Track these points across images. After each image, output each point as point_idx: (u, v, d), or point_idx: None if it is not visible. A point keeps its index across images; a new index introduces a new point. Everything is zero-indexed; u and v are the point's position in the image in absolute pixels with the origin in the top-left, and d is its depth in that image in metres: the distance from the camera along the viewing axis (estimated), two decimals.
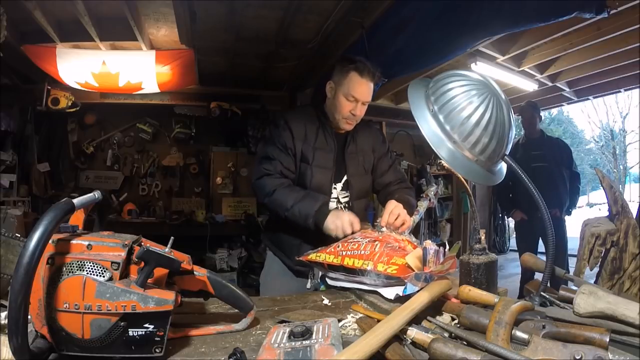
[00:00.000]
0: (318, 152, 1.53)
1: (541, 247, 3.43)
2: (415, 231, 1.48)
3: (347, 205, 1.60)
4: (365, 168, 1.63)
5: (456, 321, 0.83)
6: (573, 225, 2.63)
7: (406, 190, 1.64)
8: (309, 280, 1.52)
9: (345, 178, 1.59)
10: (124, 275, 0.72)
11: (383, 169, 1.67)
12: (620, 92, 4.39)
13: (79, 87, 3.31)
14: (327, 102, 1.59)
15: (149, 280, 0.73)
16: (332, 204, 1.58)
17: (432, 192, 1.61)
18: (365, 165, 1.63)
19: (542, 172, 3.27)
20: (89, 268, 0.69)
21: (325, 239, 1.36)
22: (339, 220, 1.34)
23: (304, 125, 1.54)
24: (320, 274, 1.49)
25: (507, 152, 0.98)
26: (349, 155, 1.59)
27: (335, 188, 1.58)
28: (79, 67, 3.08)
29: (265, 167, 1.51)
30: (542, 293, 0.90)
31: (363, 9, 2.66)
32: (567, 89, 4.42)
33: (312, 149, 1.53)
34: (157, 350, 0.71)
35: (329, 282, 1.26)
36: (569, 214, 3.56)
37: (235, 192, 4.75)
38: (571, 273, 1.00)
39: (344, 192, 1.59)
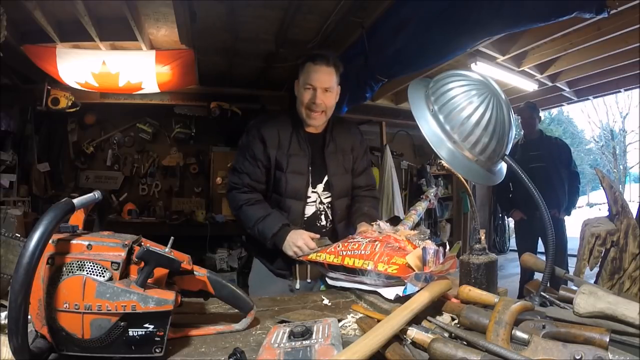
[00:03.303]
0: (292, 158, 1.53)
1: (540, 247, 3.44)
2: None
3: (329, 205, 1.60)
4: (345, 167, 1.63)
5: (456, 321, 0.83)
6: (573, 225, 2.63)
7: (372, 202, 1.67)
8: (290, 283, 1.56)
9: (326, 178, 1.58)
10: (124, 275, 0.72)
11: (358, 171, 1.68)
12: (620, 92, 4.38)
13: (79, 87, 3.31)
14: (296, 103, 1.58)
15: (149, 280, 0.73)
16: (312, 208, 1.58)
17: (432, 194, 1.61)
18: (345, 164, 1.62)
19: (540, 172, 3.27)
20: (89, 268, 0.69)
21: None
22: (296, 248, 1.38)
23: (277, 132, 1.53)
24: (297, 283, 1.52)
25: (507, 152, 0.98)
26: (329, 155, 1.58)
27: (315, 190, 1.58)
28: (79, 67, 3.08)
29: (233, 181, 1.55)
30: (542, 293, 0.90)
31: (363, 9, 2.66)
32: (567, 89, 4.42)
33: (287, 155, 1.52)
34: (157, 350, 0.71)
35: (329, 282, 1.26)
36: (569, 214, 3.55)
37: None
38: (571, 273, 1.00)
39: (326, 192, 1.59)
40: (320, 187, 1.58)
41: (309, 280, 1.54)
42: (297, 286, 1.54)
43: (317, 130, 1.59)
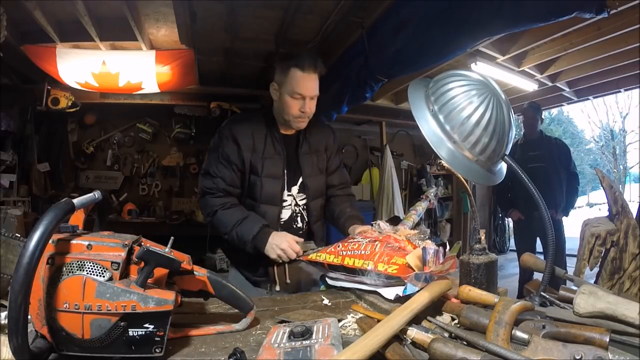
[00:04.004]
0: (267, 161, 1.47)
1: (539, 247, 3.44)
2: None
3: (305, 207, 1.57)
4: (319, 168, 1.59)
5: (456, 321, 0.83)
6: (573, 225, 2.63)
7: (352, 202, 1.65)
8: (267, 289, 1.51)
9: (300, 180, 1.54)
10: (124, 275, 0.72)
11: (331, 169, 1.64)
12: (620, 92, 4.38)
13: (79, 87, 3.31)
14: (274, 105, 1.52)
15: (149, 280, 0.73)
16: (287, 212, 1.54)
17: (432, 194, 1.60)
18: (319, 165, 1.59)
19: (539, 172, 3.27)
20: (89, 268, 0.69)
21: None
22: (280, 250, 1.33)
23: (252, 134, 1.47)
24: (277, 286, 1.48)
25: (507, 152, 0.98)
26: (302, 157, 1.54)
27: (290, 193, 1.54)
28: (79, 67, 3.08)
29: (207, 186, 1.46)
30: (542, 293, 0.90)
31: (363, 9, 2.66)
32: (567, 89, 4.42)
33: (261, 159, 1.47)
34: (157, 350, 0.71)
35: (329, 282, 1.26)
36: (566, 214, 3.55)
37: None
38: (570, 273, 1.00)
39: (301, 194, 1.56)
40: (295, 189, 1.54)
41: (288, 281, 1.48)
42: (278, 288, 1.49)
43: (292, 132, 1.54)
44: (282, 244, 1.34)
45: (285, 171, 1.51)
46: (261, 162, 1.47)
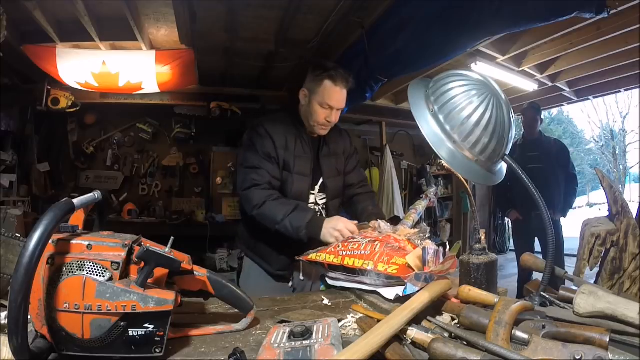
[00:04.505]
0: (298, 159, 1.55)
1: (538, 247, 3.44)
2: None
3: (324, 206, 1.65)
4: (338, 170, 1.68)
5: (456, 321, 0.83)
6: (572, 225, 2.63)
7: (373, 199, 1.76)
8: (290, 282, 1.58)
9: (321, 180, 1.63)
10: (124, 275, 0.72)
11: (349, 169, 1.73)
12: (620, 92, 4.39)
13: (79, 87, 3.31)
14: (301, 109, 1.60)
15: (149, 280, 0.73)
16: (310, 207, 1.60)
17: (432, 193, 1.61)
18: (338, 167, 1.68)
19: (537, 173, 3.26)
20: (89, 268, 0.69)
21: (305, 245, 1.37)
22: (337, 232, 1.34)
23: (284, 133, 1.55)
24: (300, 274, 1.53)
25: (507, 152, 0.98)
26: (323, 159, 1.63)
27: (312, 193, 1.62)
28: (79, 67, 3.08)
29: (254, 178, 1.49)
30: (542, 293, 0.90)
31: (363, 9, 2.65)
32: (567, 89, 4.42)
33: (293, 157, 1.54)
34: (157, 350, 0.71)
35: (329, 282, 1.26)
36: (564, 215, 3.57)
37: (235, 192, 4.75)
38: (570, 273, 1.00)
39: (321, 194, 1.64)
40: (316, 189, 1.63)
41: (301, 278, 1.57)
42: (302, 277, 1.56)
43: (314, 135, 1.63)
44: (337, 226, 1.35)
45: (312, 170, 1.60)
46: (293, 159, 1.55)
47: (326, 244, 1.32)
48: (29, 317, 0.63)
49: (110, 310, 0.67)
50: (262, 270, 1.62)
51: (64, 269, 0.68)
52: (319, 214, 1.63)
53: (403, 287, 1.00)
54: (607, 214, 1.06)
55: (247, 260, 1.68)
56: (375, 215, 1.56)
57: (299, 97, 1.59)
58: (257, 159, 1.51)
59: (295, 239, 1.40)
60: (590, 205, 15.03)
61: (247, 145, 1.57)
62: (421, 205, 1.54)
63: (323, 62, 1.57)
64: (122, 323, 0.68)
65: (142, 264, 0.73)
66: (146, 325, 0.70)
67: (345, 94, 1.55)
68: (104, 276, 0.69)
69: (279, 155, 1.52)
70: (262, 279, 1.61)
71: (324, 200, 1.65)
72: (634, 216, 1.00)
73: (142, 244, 0.76)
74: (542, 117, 3.77)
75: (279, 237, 1.44)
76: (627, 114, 16.19)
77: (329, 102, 1.50)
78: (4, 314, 0.63)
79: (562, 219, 3.55)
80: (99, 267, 0.69)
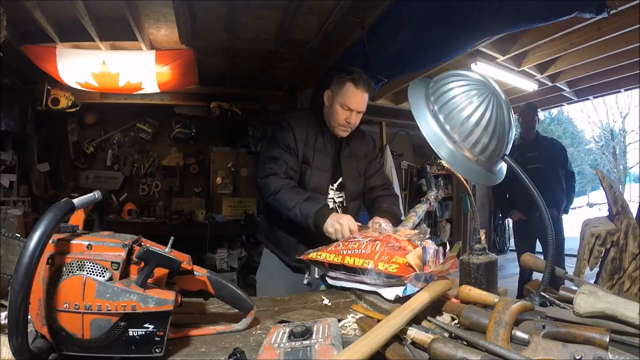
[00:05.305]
0: (317, 154, 1.60)
1: (538, 246, 3.44)
2: None
3: (341, 205, 1.67)
4: (358, 171, 1.71)
5: (456, 321, 0.83)
6: (573, 225, 2.63)
7: (391, 199, 1.74)
8: (306, 278, 1.56)
9: (340, 180, 1.66)
10: (124, 275, 0.72)
11: (371, 172, 1.76)
12: (620, 92, 4.39)
13: (79, 87, 3.31)
14: (324, 109, 1.65)
15: (149, 280, 0.72)
16: (329, 203, 1.63)
17: (432, 196, 1.65)
18: (358, 168, 1.71)
19: (537, 173, 3.26)
20: (89, 268, 0.69)
21: (321, 237, 1.39)
22: (338, 225, 1.37)
23: (306, 128, 1.60)
24: (316, 269, 1.53)
25: (507, 152, 0.98)
26: (344, 159, 1.67)
27: (331, 189, 1.66)
28: (79, 67, 3.08)
29: (271, 167, 1.55)
30: (542, 293, 0.90)
31: (363, 9, 2.66)
32: (567, 89, 4.43)
33: (313, 151, 1.59)
34: (157, 350, 0.71)
35: (329, 281, 1.26)
36: (566, 212, 3.58)
37: (235, 192, 4.75)
38: (570, 273, 1.00)
39: (339, 193, 1.68)
40: (334, 187, 1.67)
41: (316, 277, 1.56)
42: (317, 275, 1.55)
43: (336, 136, 1.66)
44: (341, 219, 1.38)
45: (332, 166, 1.64)
46: (312, 153, 1.59)
47: (329, 239, 1.34)
48: (29, 317, 0.63)
49: (110, 310, 0.67)
50: (279, 261, 1.66)
51: (64, 269, 0.68)
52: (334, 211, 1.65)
53: (403, 287, 1.00)
54: (607, 214, 1.06)
55: (266, 251, 1.74)
56: (387, 212, 1.57)
57: (323, 99, 1.65)
58: (277, 150, 1.57)
59: (303, 226, 1.44)
60: (590, 205, 15.03)
61: (269, 137, 1.67)
62: (421, 209, 1.56)
63: (348, 67, 1.65)
64: (122, 323, 0.68)
65: (142, 264, 0.73)
66: (146, 325, 0.69)
67: (366, 98, 1.61)
68: (104, 276, 0.69)
69: (298, 148, 1.57)
70: (279, 269, 1.65)
71: (341, 199, 1.68)
72: (634, 216, 0.99)
73: (142, 244, 0.76)
74: (540, 117, 3.77)
75: (297, 227, 1.48)
76: (627, 114, 16.21)
77: (349, 104, 1.56)
78: (4, 314, 0.63)
79: (563, 216, 3.55)
80: (99, 267, 0.69)
